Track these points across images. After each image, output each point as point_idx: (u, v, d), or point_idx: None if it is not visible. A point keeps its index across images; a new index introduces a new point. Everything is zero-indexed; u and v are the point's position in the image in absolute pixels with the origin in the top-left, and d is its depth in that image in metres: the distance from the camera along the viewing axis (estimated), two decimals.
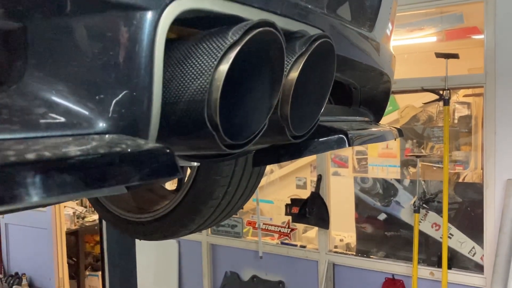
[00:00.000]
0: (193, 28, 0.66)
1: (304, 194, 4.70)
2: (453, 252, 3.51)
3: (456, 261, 3.51)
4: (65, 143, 0.47)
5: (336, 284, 3.91)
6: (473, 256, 3.48)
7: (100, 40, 0.51)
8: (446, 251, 3.31)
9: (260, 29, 0.58)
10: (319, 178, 3.90)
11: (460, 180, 4.18)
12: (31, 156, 0.41)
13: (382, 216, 3.81)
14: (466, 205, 3.54)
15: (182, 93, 0.58)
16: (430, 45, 4.44)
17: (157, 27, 0.52)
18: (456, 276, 3.43)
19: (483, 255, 3.41)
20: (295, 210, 3.99)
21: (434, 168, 4.19)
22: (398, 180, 3.85)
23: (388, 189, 3.78)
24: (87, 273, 6.19)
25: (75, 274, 6.07)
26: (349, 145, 0.86)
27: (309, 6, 0.77)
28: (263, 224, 4.33)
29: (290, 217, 4.17)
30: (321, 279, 3.93)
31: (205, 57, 0.57)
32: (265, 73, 0.67)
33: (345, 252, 4.02)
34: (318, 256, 3.98)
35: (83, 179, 0.43)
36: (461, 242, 3.51)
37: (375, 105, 1.42)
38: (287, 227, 4.25)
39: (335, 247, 4.10)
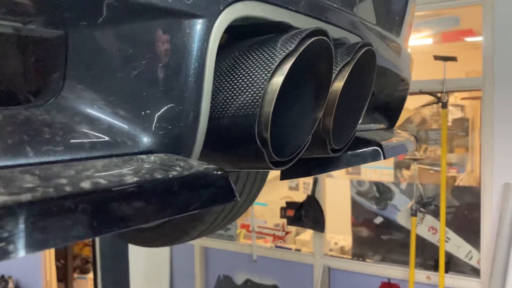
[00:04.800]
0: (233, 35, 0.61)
1: (296, 195, 4.66)
2: (450, 256, 3.50)
3: (453, 265, 3.51)
4: (115, 166, 0.42)
5: None
6: (469, 260, 3.47)
7: (149, 50, 0.46)
8: (444, 255, 3.30)
9: (315, 38, 0.54)
10: (315, 181, 3.87)
11: (456, 184, 4.18)
12: (86, 185, 0.36)
13: (379, 220, 3.79)
14: (463, 209, 3.53)
15: (229, 107, 0.53)
16: (427, 47, 4.44)
17: (209, 36, 0.48)
18: (452, 280, 3.42)
19: (479, 259, 3.40)
20: (290, 213, 3.95)
21: (431, 171, 4.18)
22: (394, 183, 3.83)
23: (384, 192, 3.76)
24: (76, 275, 6.08)
25: (63, 276, 5.96)
26: (384, 158, 0.82)
27: (349, 12, 0.73)
28: (257, 227, 4.29)
29: (284, 220, 4.13)
30: (316, 283, 3.90)
31: (257, 68, 0.52)
32: (311, 84, 0.62)
33: (340, 255, 3.99)
34: (313, 259, 3.94)
35: (141, 209, 0.38)
36: (458, 246, 3.50)
37: (391, 110, 1.38)
38: (281, 230, 4.21)
39: (330, 250, 4.07)
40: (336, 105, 0.66)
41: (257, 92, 0.51)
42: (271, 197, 4.91)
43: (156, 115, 0.48)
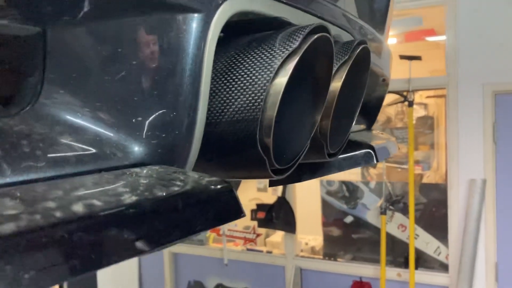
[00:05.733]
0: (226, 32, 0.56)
1: (265, 196, 4.62)
2: (419, 253, 3.54)
3: (422, 261, 3.55)
4: (107, 182, 0.36)
5: None
6: (438, 255, 3.52)
7: (140, 49, 0.41)
8: (413, 252, 3.33)
9: (318, 35, 0.50)
10: None
11: (423, 181, 4.24)
12: (78, 208, 0.30)
13: (349, 219, 3.79)
14: (431, 206, 3.58)
15: (227, 112, 0.48)
16: (391, 47, 4.49)
17: (207, 33, 0.43)
18: (422, 276, 3.45)
19: (447, 254, 3.46)
20: (261, 215, 3.91)
21: (399, 169, 4.22)
22: (363, 182, 3.85)
23: (354, 192, 3.77)
24: None
25: None
26: (377, 161, 0.79)
27: (341, 9, 0.69)
28: (228, 230, 4.23)
29: (255, 222, 4.09)
30: (288, 284, 3.87)
31: (257, 68, 0.47)
32: (309, 85, 0.58)
33: (312, 256, 3.98)
34: (285, 261, 3.92)
35: (143, 233, 0.33)
36: (426, 243, 3.55)
37: (370, 110, 1.35)
38: (252, 232, 4.17)
39: (301, 250, 4.06)
40: (334, 106, 0.62)
41: (259, 94, 0.47)
42: (240, 199, 4.85)
43: (148, 122, 0.43)
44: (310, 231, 4.27)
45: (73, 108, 0.41)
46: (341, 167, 0.80)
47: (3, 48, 0.39)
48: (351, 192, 3.78)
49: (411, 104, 3.36)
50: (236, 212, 0.40)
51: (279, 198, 3.87)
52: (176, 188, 0.37)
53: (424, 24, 4.17)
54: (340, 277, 3.72)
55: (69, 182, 0.35)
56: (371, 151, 0.79)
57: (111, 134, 0.42)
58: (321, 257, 3.93)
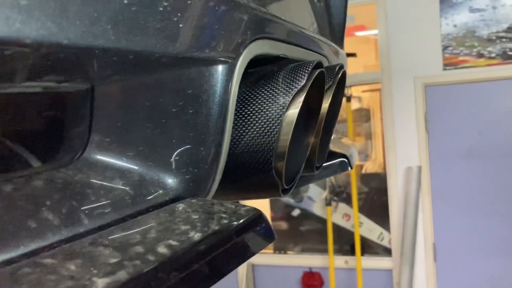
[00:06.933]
0: None
1: None
2: (364, 239, 3.73)
3: (367, 247, 3.75)
4: (167, 221, 0.41)
5: (256, 285, 3.96)
6: (381, 241, 3.73)
7: (179, 98, 0.45)
8: (359, 240, 3.51)
9: (319, 70, 0.56)
10: None
11: (364, 171, 4.45)
12: (163, 250, 0.35)
13: (296, 212, 3.93)
14: (372, 194, 3.78)
15: (243, 143, 0.54)
16: None
17: (233, 77, 0.48)
18: (368, 261, 3.65)
19: (390, 239, 3.67)
20: None
21: None
22: None
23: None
24: None
25: None
26: (351, 168, 0.87)
27: (320, 38, 0.77)
28: None
29: None
30: (240, 281, 3.95)
31: (270, 104, 0.53)
32: (303, 110, 0.65)
33: (262, 251, 4.08)
34: None
35: (212, 266, 0.38)
36: (370, 229, 3.75)
37: None
38: None
39: None
40: (322, 126, 0.69)
41: (273, 127, 0.53)
42: None
43: (183, 160, 0.48)
44: None
45: (118, 154, 0.45)
46: (320, 177, 0.87)
47: (53, 102, 0.43)
48: None
49: (349, 99, 3.53)
50: (270, 236, 0.46)
51: None
52: (225, 221, 0.42)
53: (355, 21, 4.38)
54: (291, 269, 3.85)
55: (137, 225, 0.39)
56: (345, 160, 0.87)
57: (153, 174, 0.46)
58: (271, 251, 4.04)
